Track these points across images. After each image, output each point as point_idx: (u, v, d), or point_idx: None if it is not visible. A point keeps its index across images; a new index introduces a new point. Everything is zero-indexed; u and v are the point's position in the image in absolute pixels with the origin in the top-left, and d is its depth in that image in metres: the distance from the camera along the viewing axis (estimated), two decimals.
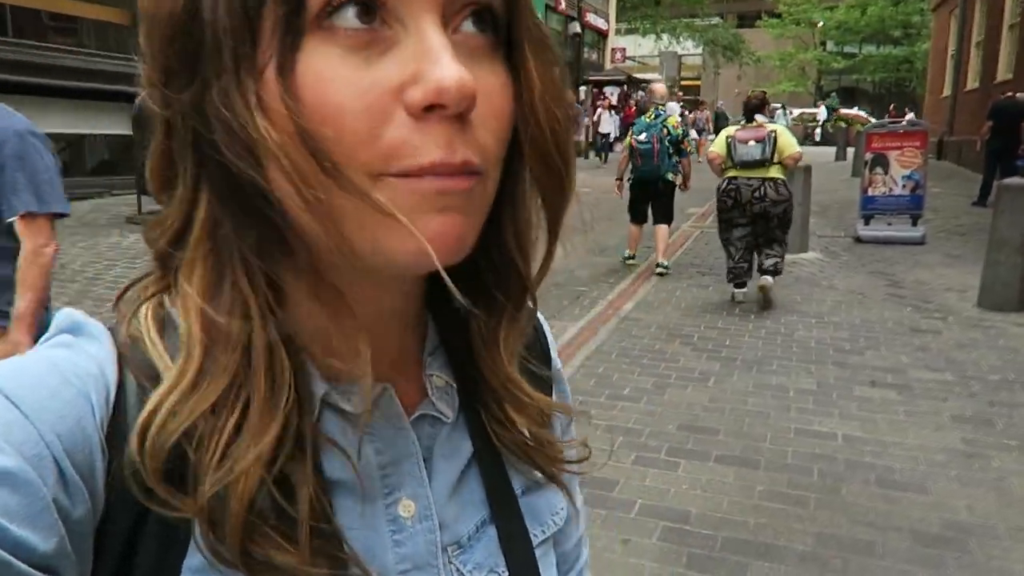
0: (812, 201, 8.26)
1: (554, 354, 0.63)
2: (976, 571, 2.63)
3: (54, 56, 8.08)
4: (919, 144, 8.60)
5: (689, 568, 2.66)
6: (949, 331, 5.36)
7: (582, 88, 21.65)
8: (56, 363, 0.40)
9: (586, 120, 18.68)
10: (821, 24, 36.58)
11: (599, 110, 19.97)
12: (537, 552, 0.54)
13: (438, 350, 0.53)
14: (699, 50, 36.07)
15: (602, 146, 19.14)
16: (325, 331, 0.45)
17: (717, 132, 7.61)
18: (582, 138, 17.87)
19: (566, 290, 6.31)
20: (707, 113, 23.41)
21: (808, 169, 7.79)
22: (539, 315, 0.61)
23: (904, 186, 8.56)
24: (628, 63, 29.41)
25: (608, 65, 27.27)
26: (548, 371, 0.60)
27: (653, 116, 7.00)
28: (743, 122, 6.01)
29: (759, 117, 5.91)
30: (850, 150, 17.90)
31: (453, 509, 0.51)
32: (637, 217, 7.40)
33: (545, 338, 0.63)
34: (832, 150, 21.06)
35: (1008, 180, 6.02)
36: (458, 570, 0.50)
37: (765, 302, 5.93)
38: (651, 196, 7.16)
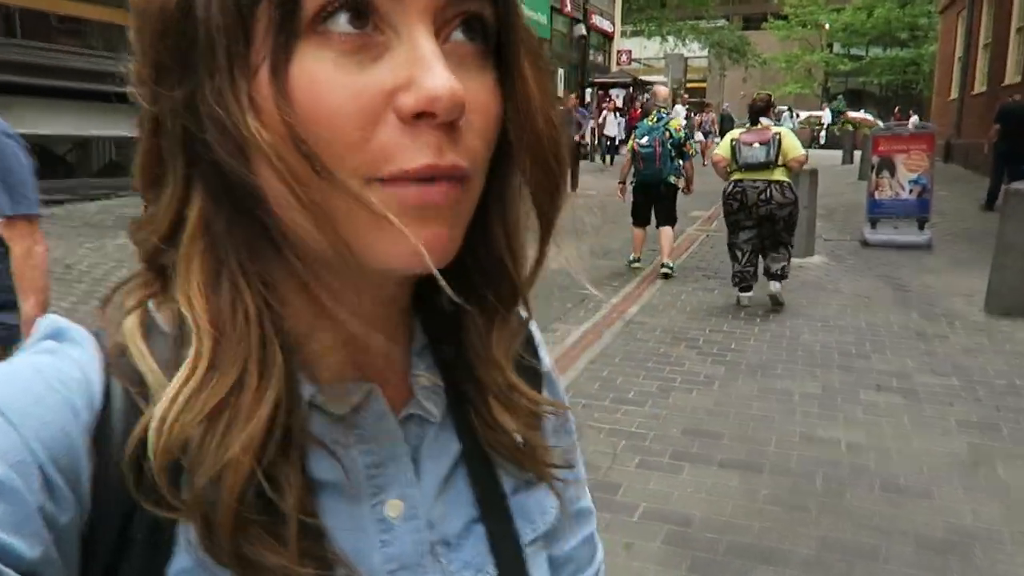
0: (818, 204, 8.24)
1: (544, 355, 0.63)
2: None
3: (62, 58, 8.11)
4: (926, 147, 8.57)
5: (692, 573, 2.65)
6: (955, 336, 5.34)
7: (587, 91, 21.64)
8: (40, 369, 0.40)
9: (591, 123, 18.67)
10: (828, 27, 36.48)
11: (604, 112, 19.96)
12: (527, 552, 0.54)
13: (425, 350, 0.53)
14: (705, 52, 36.02)
15: (607, 149, 19.12)
16: (313, 331, 0.45)
17: (723, 135, 7.59)
18: (588, 141, 17.85)
19: (570, 293, 6.31)
20: (712, 115, 23.38)
21: (814, 172, 7.77)
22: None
23: (911, 190, 8.53)
24: (634, 65, 29.38)
25: (614, 67, 27.24)
26: (537, 370, 0.60)
27: (656, 119, 7.00)
28: (748, 125, 6.01)
29: (764, 120, 5.91)
30: (857, 153, 17.85)
31: (441, 509, 0.51)
32: (640, 220, 7.39)
33: (534, 340, 0.62)
34: (838, 153, 21.01)
35: (1016, 184, 5.98)
36: (446, 570, 0.50)
37: (775, 306, 5.94)
38: (653, 199, 7.16)
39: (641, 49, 32.38)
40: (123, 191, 9.00)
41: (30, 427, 0.37)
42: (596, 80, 23.88)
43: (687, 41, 32.38)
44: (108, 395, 0.41)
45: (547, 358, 0.64)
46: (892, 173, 8.57)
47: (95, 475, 0.39)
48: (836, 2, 35.92)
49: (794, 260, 6.26)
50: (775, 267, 5.91)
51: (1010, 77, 14.44)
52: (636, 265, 7.53)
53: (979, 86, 16.87)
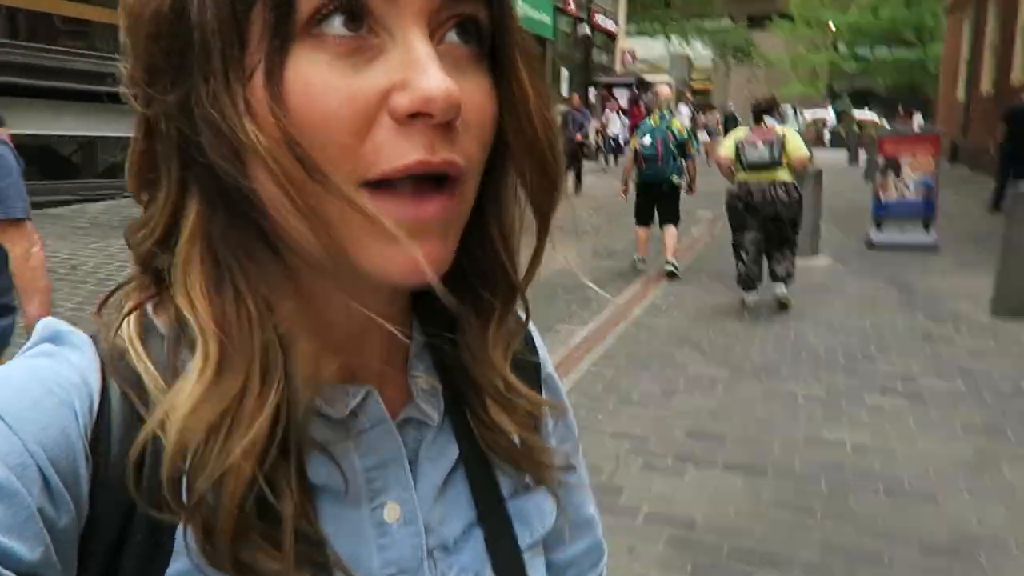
0: (824, 206, 8.21)
1: (545, 358, 0.63)
2: None
3: (66, 60, 8.14)
4: (932, 149, 8.54)
5: None
6: (961, 338, 5.32)
7: (591, 90, 21.63)
8: (38, 373, 0.40)
9: (594, 123, 18.67)
10: (833, 27, 36.39)
11: (607, 112, 19.94)
12: (525, 556, 0.54)
13: (423, 352, 0.53)
14: (709, 52, 35.97)
15: (610, 149, 19.10)
16: (311, 334, 0.45)
17: (727, 134, 7.59)
18: (591, 141, 17.85)
19: (574, 294, 6.30)
20: (717, 115, 23.34)
21: (820, 173, 7.75)
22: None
23: (917, 191, 8.51)
24: (638, 65, 29.35)
25: (618, 67, 27.23)
26: (536, 373, 0.60)
27: (658, 119, 7.00)
28: (752, 125, 6.02)
29: (768, 120, 5.91)
30: (862, 154, 17.80)
31: (439, 512, 0.51)
32: (642, 220, 7.39)
33: (533, 342, 0.62)
34: (842, 154, 20.95)
35: (1023, 185, 5.96)
36: (444, 574, 0.50)
37: (780, 307, 5.98)
38: (656, 199, 7.17)
39: (645, 49, 32.33)
40: (128, 192, 9.02)
41: (29, 430, 0.37)
42: (600, 80, 23.86)
43: (691, 41, 32.35)
44: (106, 398, 0.41)
45: (548, 361, 0.64)
46: (898, 174, 8.55)
47: (94, 478, 0.39)
48: (842, 2, 35.83)
49: (799, 261, 6.25)
50: (780, 271, 5.91)
51: (1017, 78, 14.38)
52: (640, 266, 7.53)
53: (986, 87, 16.80)
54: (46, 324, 0.44)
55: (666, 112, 7.12)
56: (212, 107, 0.37)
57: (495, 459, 0.54)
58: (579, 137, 13.20)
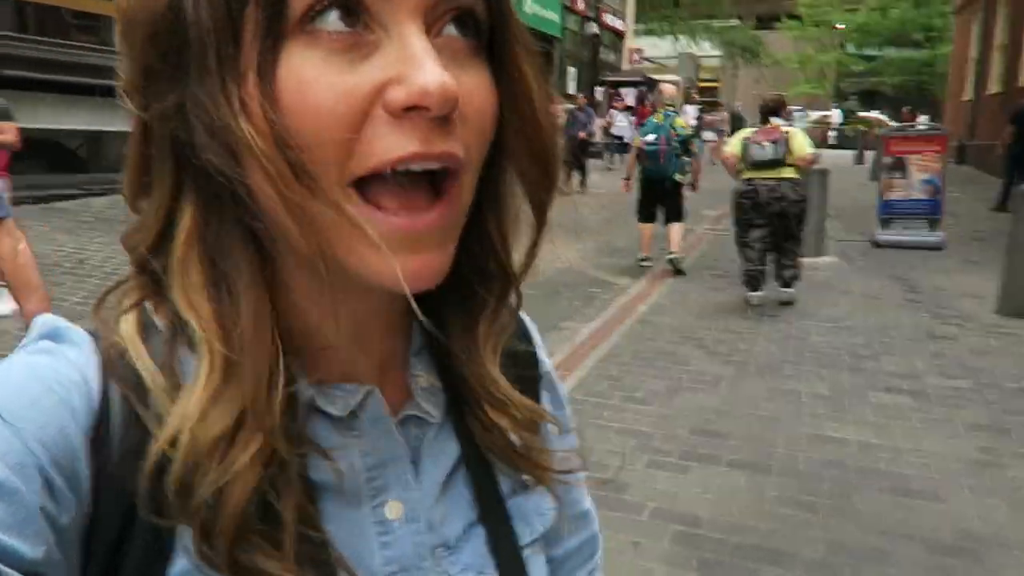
0: (829, 204, 8.20)
1: (543, 356, 0.62)
2: None
3: (75, 54, 8.17)
4: (938, 148, 8.52)
5: (699, 573, 2.65)
6: (966, 337, 5.31)
7: (598, 89, 21.59)
8: (37, 370, 0.40)
9: (599, 121, 18.64)
10: (842, 28, 36.24)
11: (612, 111, 19.89)
12: (525, 553, 0.54)
13: (423, 351, 0.53)
14: (717, 52, 35.86)
15: (615, 148, 19.06)
16: (310, 333, 0.45)
17: (734, 134, 7.60)
18: (597, 140, 17.82)
19: (578, 292, 6.30)
20: (724, 115, 23.28)
21: (825, 172, 7.74)
22: (525, 317, 0.61)
23: (923, 190, 8.48)
24: (645, 64, 29.29)
25: (625, 66, 27.16)
26: (534, 371, 0.60)
27: (663, 117, 7.02)
28: (760, 124, 6.03)
29: (775, 119, 5.92)
30: (868, 153, 17.74)
31: (441, 511, 0.51)
32: (645, 217, 7.40)
33: (530, 338, 0.62)
34: (848, 153, 20.88)
35: None
36: (446, 572, 0.50)
37: (785, 303, 6.01)
38: (658, 196, 7.18)
39: (653, 48, 32.25)
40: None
41: (29, 429, 0.37)
42: (607, 79, 23.81)
43: (699, 40, 32.26)
44: (106, 397, 0.41)
45: (547, 359, 0.63)
46: (904, 174, 8.52)
47: (94, 476, 0.39)
48: (850, 2, 35.69)
49: (805, 260, 6.25)
50: (787, 274, 5.95)
51: None
52: (645, 264, 7.53)
53: (994, 87, 16.73)
54: (45, 320, 0.44)
55: (670, 110, 7.13)
56: (207, 107, 0.37)
57: (493, 458, 0.53)
58: (584, 135, 13.19)
